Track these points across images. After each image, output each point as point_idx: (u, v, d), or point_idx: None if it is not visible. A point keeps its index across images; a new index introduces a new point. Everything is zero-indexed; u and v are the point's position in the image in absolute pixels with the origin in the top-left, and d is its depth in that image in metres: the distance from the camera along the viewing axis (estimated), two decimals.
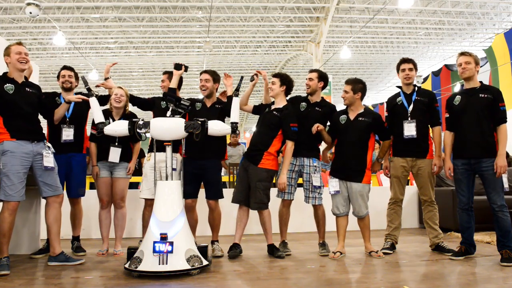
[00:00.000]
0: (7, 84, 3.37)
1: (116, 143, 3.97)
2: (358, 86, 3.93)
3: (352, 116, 3.93)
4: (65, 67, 4.11)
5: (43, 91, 3.71)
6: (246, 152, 4.07)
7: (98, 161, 4.03)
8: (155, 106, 4.19)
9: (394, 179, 4.04)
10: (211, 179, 3.97)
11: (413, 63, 4.04)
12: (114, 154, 3.97)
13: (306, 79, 4.12)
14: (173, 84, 3.96)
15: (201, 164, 3.90)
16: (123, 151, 4.02)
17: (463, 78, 3.73)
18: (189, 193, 3.92)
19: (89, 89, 3.60)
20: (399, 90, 4.13)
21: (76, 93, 4.09)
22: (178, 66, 3.96)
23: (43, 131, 3.58)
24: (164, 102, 3.95)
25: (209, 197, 3.98)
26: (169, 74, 4.17)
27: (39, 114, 3.69)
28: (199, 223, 4.11)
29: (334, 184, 3.87)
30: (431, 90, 12.13)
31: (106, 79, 4.25)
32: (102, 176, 4.03)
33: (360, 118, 3.91)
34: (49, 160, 3.43)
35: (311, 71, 4.19)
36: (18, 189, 3.25)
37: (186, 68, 3.96)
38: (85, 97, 3.74)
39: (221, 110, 4.00)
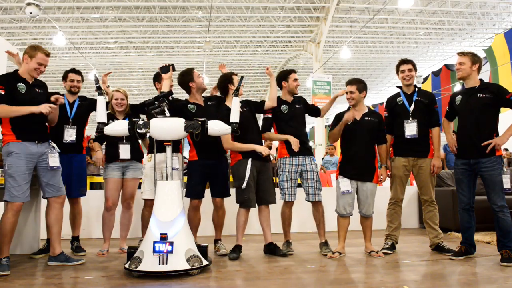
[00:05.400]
0: (20, 83, 3.36)
1: (124, 140, 3.98)
2: (361, 85, 3.96)
3: (357, 116, 3.94)
4: (73, 70, 4.11)
5: None
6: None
7: (110, 162, 4.04)
8: None
9: (395, 179, 4.04)
10: (220, 177, 3.97)
11: (412, 63, 4.04)
12: (124, 151, 3.99)
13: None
14: (165, 87, 3.68)
15: (211, 164, 3.91)
16: (133, 149, 4.05)
17: (457, 78, 3.76)
18: (198, 194, 3.93)
19: (99, 87, 3.56)
20: (399, 90, 4.14)
21: (79, 97, 4.12)
22: (165, 69, 3.67)
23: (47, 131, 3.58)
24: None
25: (216, 195, 3.98)
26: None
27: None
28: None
29: (345, 183, 3.84)
30: (431, 91, 12.18)
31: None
32: (113, 176, 4.03)
33: (367, 118, 3.92)
34: (54, 160, 3.43)
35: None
36: (23, 190, 3.25)
37: (173, 67, 3.72)
38: (59, 97, 3.53)
39: (218, 105, 3.95)
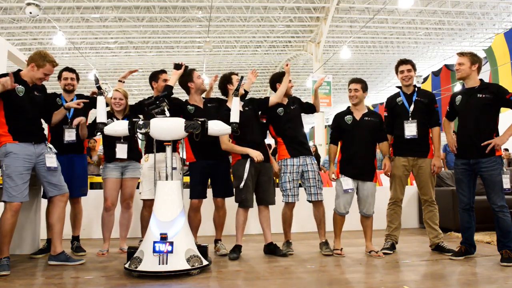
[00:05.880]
0: (19, 86, 3.35)
1: (122, 140, 3.98)
2: (364, 85, 3.99)
3: (357, 116, 3.95)
4: (67, 69, 4.11)
5: None
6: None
7: (109, 162, 4.05)
8: None
9: (395, 179, 4.04)
10: (222, 177, 3.98)
11: (411, 63, 4.04)
12: (121, 150, 3.99)
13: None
14: (171, 82, 3.79)
15: (211, 164, 3.91)
16: (132, 149, 4.05)
17: (457, 78, 3.78)
18: (199, 194, 3.93)
19: (99, 87, 3.55)
20: (398, 90, 4.14)
21: (77, 95, 4.11)
22: (178, 66, 3.83)
23: (44, 132, 3.59)
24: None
25: (218, 195, 3.98)
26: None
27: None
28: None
29: (348, 182, 3.85)
30: (431, 91, 12.19)
31: (119, 81, 4.34)
32: (112, 176, 4.03)
33: (367, 118, 3.94)
34: (52, 160, 3.44)
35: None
36: (21, 190, 3.25)
37: (186, 67, 3.87)
38: (82, 101, 3.78)
39: (218, 107, 3.98)
